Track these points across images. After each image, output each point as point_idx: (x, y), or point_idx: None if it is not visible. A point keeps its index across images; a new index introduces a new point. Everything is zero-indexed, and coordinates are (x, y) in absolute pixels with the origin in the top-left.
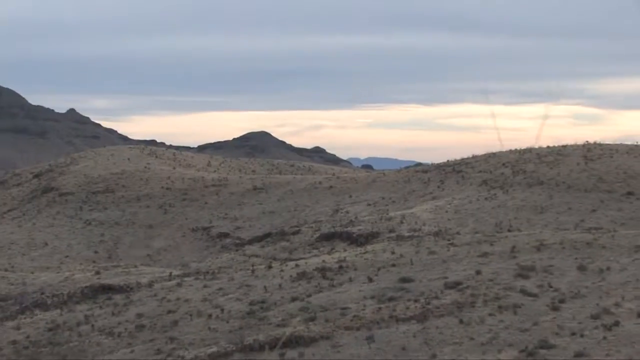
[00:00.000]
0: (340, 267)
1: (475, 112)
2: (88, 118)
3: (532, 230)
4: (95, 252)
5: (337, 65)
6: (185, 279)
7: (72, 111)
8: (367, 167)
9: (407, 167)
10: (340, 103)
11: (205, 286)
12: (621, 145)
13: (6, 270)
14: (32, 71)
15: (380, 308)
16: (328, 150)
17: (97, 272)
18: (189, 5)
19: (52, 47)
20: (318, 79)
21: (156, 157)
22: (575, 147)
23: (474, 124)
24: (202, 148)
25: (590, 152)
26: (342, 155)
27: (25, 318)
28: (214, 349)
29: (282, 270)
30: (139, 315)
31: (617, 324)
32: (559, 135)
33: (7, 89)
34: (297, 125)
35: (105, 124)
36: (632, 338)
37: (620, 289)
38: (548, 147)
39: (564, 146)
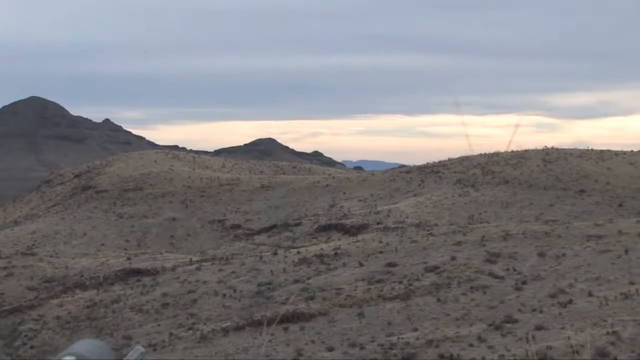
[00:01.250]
0: (336, 253)
1: (450, 121)
2: (121, 127)
3: (499, 222)
4: (127, 240)
5: (332, 82)
6: (203, 263)
7: (107, 121)
8: (358, 168)
9: (392, 169)
10: (335, 114)
11: (220, 270)
12: (575, 149)
13: (51, 256)
14: (72, 87)
15: (369, 288)
16: (325, 154)
17: (128, 258)
18: (205, 31)
19: (89, 66)
20: (316, 93)
21: (178, 160)
22: (535, 152)
23: (449, 131)
24: (218, 152)
25: (549, 156)
26: (337, 158)
27: (67, 297)
28: (228, 323)
29: (285, 257)
30: (164, 295)
31: (570, 302)
32: (522, 141)
33: (53, 102)
34: (298, 133)
35: (136, 131)
36: (583, 314)
37: (573, 272)
38: (512, 151)
39: (526, 150)
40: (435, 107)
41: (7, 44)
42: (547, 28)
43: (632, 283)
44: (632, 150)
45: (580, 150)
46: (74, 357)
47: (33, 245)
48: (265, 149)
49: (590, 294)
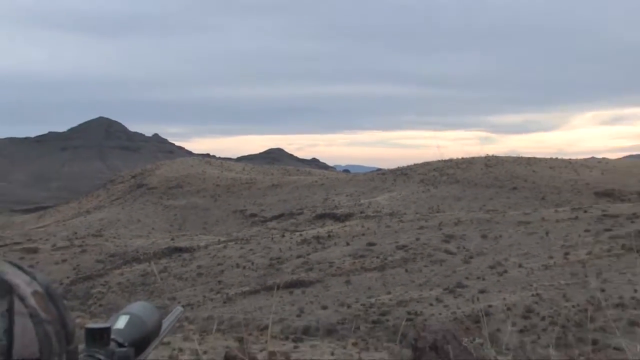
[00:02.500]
0: (329, 235)
1: (417, 135)
2: (166, 139)
3: (452, 212)
4: (170, 225)
5: (326, 106)
6: (229, 243)
7: (156, 135)
8: (346, 171)
9: (372, 171)
10: (329, 129)
11: (241, 248)
12: (509, 157)
13: (114, 237)
14: (130, 109)
15: (354, 262)
16: (320, 160)
17: (172, 239)
18: (223, 65)
19: (142, 94)
20: (314, 114)
21: (209, 164)
22: (479, 158)
23: (415, 143)
24: (239, 159)
25: (489, 162)
26: (330, 163)
27: (126, 268)
28: (247, 288)
29: (291, 238)
30: (199, 267)
31: (506, 271)
32: (469, 151)
33: (115, 121)
34: (300, 144)
35: (177, 143)
36: (515, 280)
37: (507, 249)
38: (462, 158)
39: (472, 158)
40: (405, 124)
41: (81, 75)
42: (487, 64)
43: (551, 257)
44: (551, 158)
45: (512, 157)
46: (128, 316)
47: (101, 229)
48: (275, 156)
49: (520, 266)
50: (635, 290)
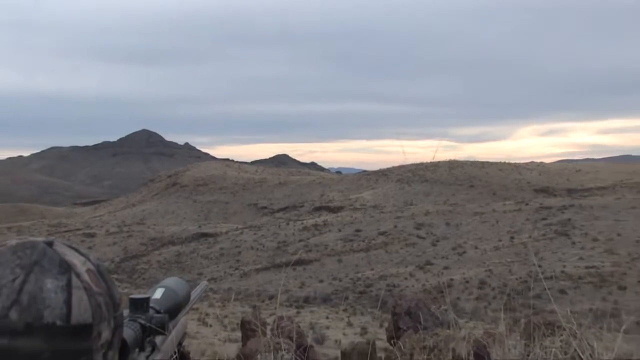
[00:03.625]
0: (324, 224)
1: (394, 144)
2: (195, 147)
3: (423, 205)
4: (198, 216)
5: (322, 120)
6: (245, 230)
7: (187, 143)
8: (338, 172)
9: (359, 172)
10: (324, 139)
11: (254, 233)
12: (467, 161)
13: (154, 225)
14: (166, 122)
15: (345, 245)
16: (318, 164)
17: (199, 226)
18: (241, 87)
19: (175, 111)
20: (312, 127)
21: (229, 167)
22: (444, 162)
23: (394, 150)
24: (253, 162)
25: (452, 165)
26: (326, 166)
27: (163, 249)
28: (259, 265)
29: (294, 226)
30: (221, 248)
31: (465, 252)
32: (436, 156)
33: (155, 132)
34: (302, 150)
35: (204, 150)
36: (472, 259)
37: (466, 235)
38: (430, 162)
39: (439, 162)
40: (385, 135)
41: (128, 96)
42: (454, 87)
43: (500, 240)
44: (501, 162)
45: (470, 161)
46: (163, 288)
47: (143, 218)
48: (282, 160)
49: (476, 247)
50: (564, 266)
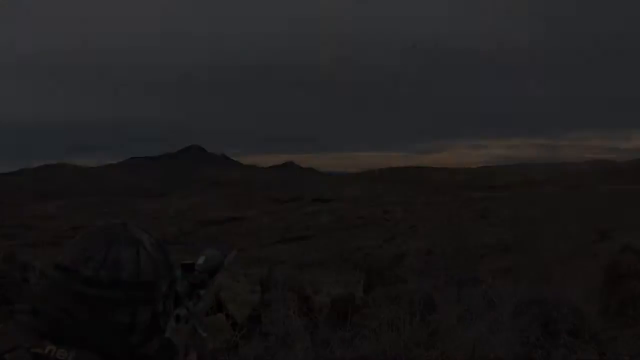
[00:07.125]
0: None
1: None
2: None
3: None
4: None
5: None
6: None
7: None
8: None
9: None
10: (319, 150)
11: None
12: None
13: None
14: (210, 141)
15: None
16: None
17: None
18: None
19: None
20: (310, 140)
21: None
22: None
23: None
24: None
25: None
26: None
27: (209, 227)
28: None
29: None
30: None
31: (415, 228)
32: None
33: (199, 146)
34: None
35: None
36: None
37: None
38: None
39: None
40: (365, 148)
41: (180, 123)
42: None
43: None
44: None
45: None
46: (204, 256)
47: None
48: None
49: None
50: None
